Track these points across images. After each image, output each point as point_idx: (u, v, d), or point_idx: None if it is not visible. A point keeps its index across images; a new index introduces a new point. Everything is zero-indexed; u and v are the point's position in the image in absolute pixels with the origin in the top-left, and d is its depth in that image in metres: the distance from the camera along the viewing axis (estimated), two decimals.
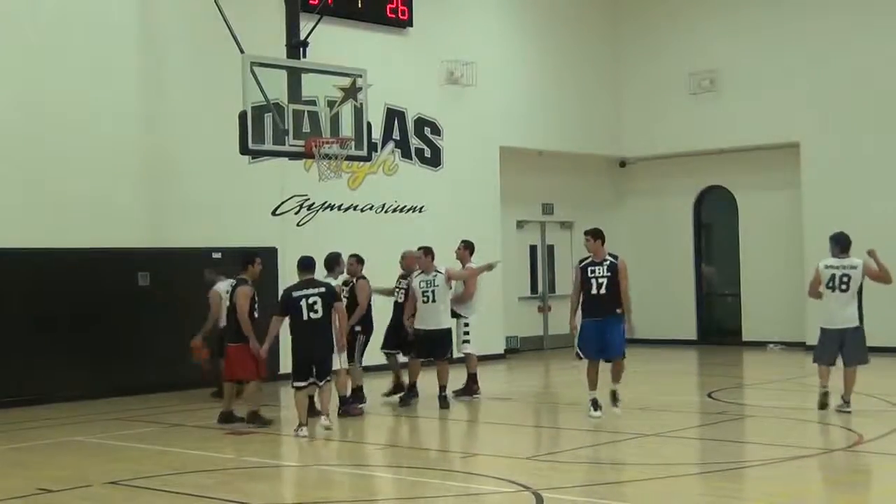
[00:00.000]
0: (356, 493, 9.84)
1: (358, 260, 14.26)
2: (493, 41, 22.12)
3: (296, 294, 12.39)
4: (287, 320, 12.48)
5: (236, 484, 9.91)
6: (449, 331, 14.61)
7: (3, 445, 12.36)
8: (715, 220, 24.42)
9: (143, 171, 16.96)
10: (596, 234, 13.01)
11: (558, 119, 23.17)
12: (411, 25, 20.37)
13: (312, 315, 12.29)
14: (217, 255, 17.08)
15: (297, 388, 12.38)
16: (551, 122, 23.03)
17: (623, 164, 25.05)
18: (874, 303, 20.45)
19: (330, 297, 12.53)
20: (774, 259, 22.77)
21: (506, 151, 21.96)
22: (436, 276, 14.37)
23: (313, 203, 18.82)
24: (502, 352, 21.65)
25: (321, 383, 12.47)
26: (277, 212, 18.41)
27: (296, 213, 18.63)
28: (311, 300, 12.29)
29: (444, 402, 14.22)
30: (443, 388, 14.32)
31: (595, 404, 12.84)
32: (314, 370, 12.34)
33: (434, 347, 14.32)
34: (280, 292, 13.42)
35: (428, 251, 14.56)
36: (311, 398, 12.70)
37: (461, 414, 14.19)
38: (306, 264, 12.76)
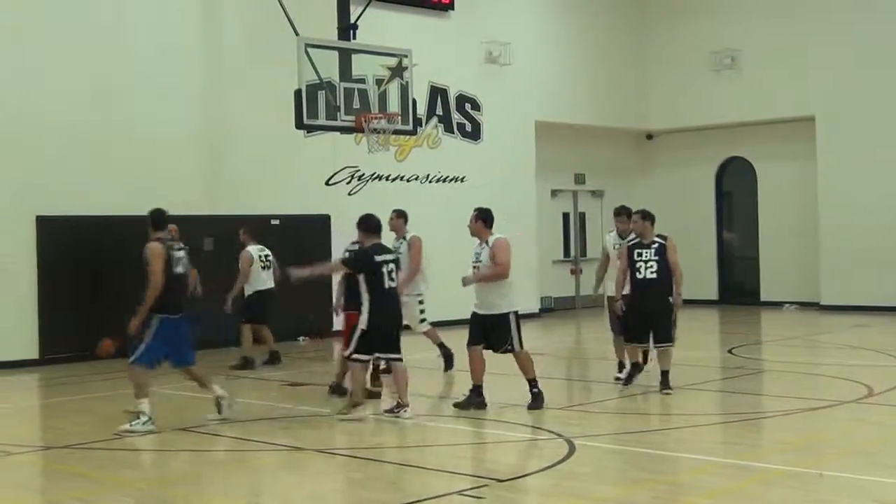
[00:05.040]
0: (403, 439, 9.91)
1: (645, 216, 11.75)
2: (529, 22, 22.02)
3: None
4: None
5: (292, 430, 10.01)
6: None
7: (81, 395, 12.57)
8: (735, 188, 24.22)
9: (207, 144, 17.09)
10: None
11: (589, 95, 23.04)
12: (453, 9, 20.33)
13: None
14: (275, 222, 17.18)
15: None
16: (583, 97, 22.91)
17: (650, 136, 24.91)
18: (871, 266, 20.43)
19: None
20: (791, 225, 22.63)
21: (540, 125, 21.91)
22: (483, 247, 10.72)
23: (363, 174, 18.89)
24: (537, 311, 21.68)
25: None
26: (330, 182, 18.48)
27: (347, 184, 18.71)
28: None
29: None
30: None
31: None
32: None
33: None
34: (333, 257, 13.07)
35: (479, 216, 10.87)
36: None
37: (498, 367, 14.16)
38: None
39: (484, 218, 10.73)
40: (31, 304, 15.14)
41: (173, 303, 10.06)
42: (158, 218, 10.27)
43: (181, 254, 10.29)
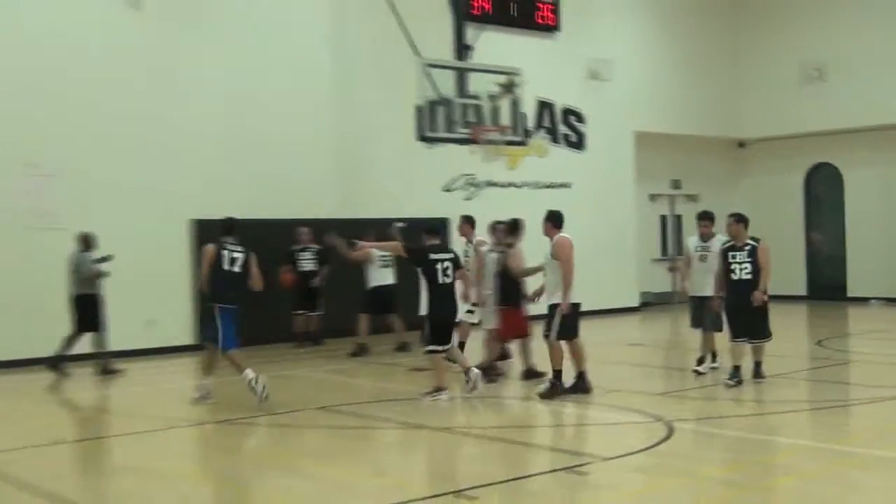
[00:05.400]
0: (513, 419, 9.92)
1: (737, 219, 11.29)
2: (628, 41, 21.82)
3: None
4: None
5: (415, 411, 10.12)
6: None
7: (232, 376, 12.90)
8: (823, 192, 23.56)
9: (338, 155, 17.38)
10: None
11: (684, 106, 22.71)
12: (559, 30, 20.26)
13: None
14: (400, 224, 17.30)
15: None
16: (678, 109, 22.59)
17: (741, 144, 24.41)
18: None
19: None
20: (876, 225, 21.95)
21: (639, 135, 21.69)
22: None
23: (478, 181, 18.99)
24: (637, 305, 21.48)
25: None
26: (448, 188, 18.64)
27: (464, 190, 18.85)
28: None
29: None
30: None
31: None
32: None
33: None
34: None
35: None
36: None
37: (601, 356, 14.04)
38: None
39: (552, 219, 10.89)
40: (187, 297, 15.66)
41: (224, 295, 10.68)
42: (226, 224, 11.11)
43: (237, 255, 10.83)
